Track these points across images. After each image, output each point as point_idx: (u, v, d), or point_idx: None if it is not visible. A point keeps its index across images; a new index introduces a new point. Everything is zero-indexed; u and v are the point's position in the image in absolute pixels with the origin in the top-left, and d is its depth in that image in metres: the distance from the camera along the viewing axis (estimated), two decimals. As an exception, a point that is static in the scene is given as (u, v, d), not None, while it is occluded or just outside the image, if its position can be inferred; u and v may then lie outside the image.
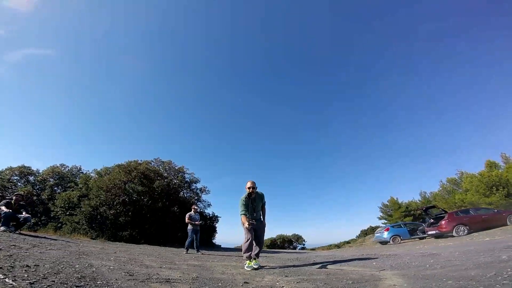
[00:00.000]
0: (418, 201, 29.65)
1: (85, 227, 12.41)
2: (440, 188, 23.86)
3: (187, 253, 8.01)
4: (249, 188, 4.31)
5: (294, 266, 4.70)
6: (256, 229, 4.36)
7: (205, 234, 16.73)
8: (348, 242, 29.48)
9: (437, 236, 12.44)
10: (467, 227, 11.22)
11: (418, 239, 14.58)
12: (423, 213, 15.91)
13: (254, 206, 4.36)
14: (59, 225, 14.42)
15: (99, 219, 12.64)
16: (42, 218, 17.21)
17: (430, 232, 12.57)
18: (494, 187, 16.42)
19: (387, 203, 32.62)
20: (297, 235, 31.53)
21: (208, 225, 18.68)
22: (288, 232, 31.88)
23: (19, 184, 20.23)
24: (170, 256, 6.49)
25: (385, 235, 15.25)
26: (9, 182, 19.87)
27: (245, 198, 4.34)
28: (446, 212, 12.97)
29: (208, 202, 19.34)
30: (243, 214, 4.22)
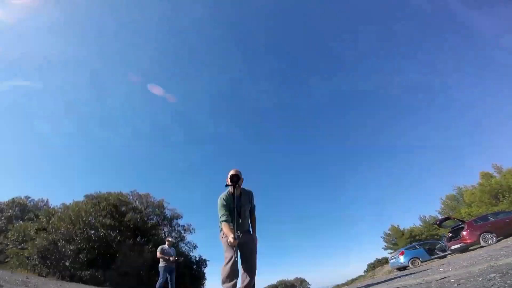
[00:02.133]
0: (419, 226, 28.33)
1: (35, 263, 10.08)
2: (442, 206, 22.81)
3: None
4: (232, 176, 2.81)
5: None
6: (243, 245, 2.74)
7: (190, 282, 13.79)
8: (356, 279, 26.12)
9: (462, 250, 10.80)
10: (494, 234, 9.99)
11: (438, 258, 12.80)
12: (438, 227, 14.35)
13: (239, 208, 2.82)
14: (6, 260, 12.08)
15: (55, 255, 10.33)
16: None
17: (454, 247, 10.93)
18: (500, 194, 15.60)
19: (388, 231, 30.83)
20: (300, 278, 27.75)
21: (194, 271, 15.68)
22: (289, 276, 27.94)
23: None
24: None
25: (402, 259, 13.27)
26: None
27: (227, 196, 2.83)
28: (463, 222, 11.61)
29: (193, 243, 16.60)
30: (224, 220, 2.67)
